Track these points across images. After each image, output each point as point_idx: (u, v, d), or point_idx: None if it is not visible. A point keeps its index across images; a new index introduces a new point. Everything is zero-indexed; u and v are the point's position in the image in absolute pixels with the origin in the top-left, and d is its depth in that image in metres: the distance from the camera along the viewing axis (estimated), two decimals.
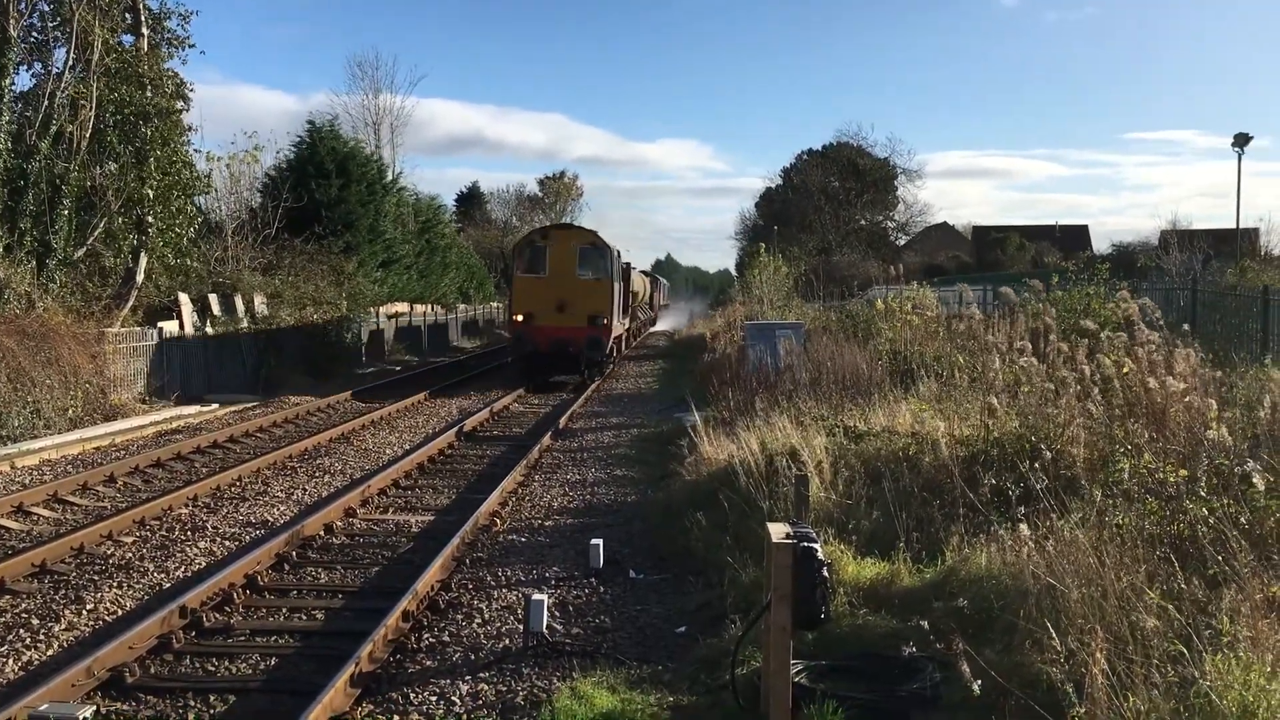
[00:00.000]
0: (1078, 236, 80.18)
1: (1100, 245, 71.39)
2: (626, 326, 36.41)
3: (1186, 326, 9.78)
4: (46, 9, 23.28)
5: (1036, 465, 7.38)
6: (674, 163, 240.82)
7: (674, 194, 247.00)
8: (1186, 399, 7.61)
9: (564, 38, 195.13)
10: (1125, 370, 8.40)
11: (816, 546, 5.60)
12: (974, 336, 14.09)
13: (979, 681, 4.96)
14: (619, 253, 29.39)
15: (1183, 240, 37.40)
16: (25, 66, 23.42)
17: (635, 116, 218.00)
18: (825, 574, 5.61)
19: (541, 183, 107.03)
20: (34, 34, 23.45)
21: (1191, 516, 6.38)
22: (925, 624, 5.92)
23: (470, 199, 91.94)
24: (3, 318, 18.74)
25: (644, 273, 54.35)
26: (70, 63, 22.77)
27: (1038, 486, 7.06)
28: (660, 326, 67.48)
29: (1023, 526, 6.50)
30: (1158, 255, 36.76)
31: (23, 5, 22.30)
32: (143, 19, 25.12)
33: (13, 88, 21.94)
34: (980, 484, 8.07)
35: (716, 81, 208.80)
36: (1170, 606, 5.25)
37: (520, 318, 26.80)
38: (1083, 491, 7.30)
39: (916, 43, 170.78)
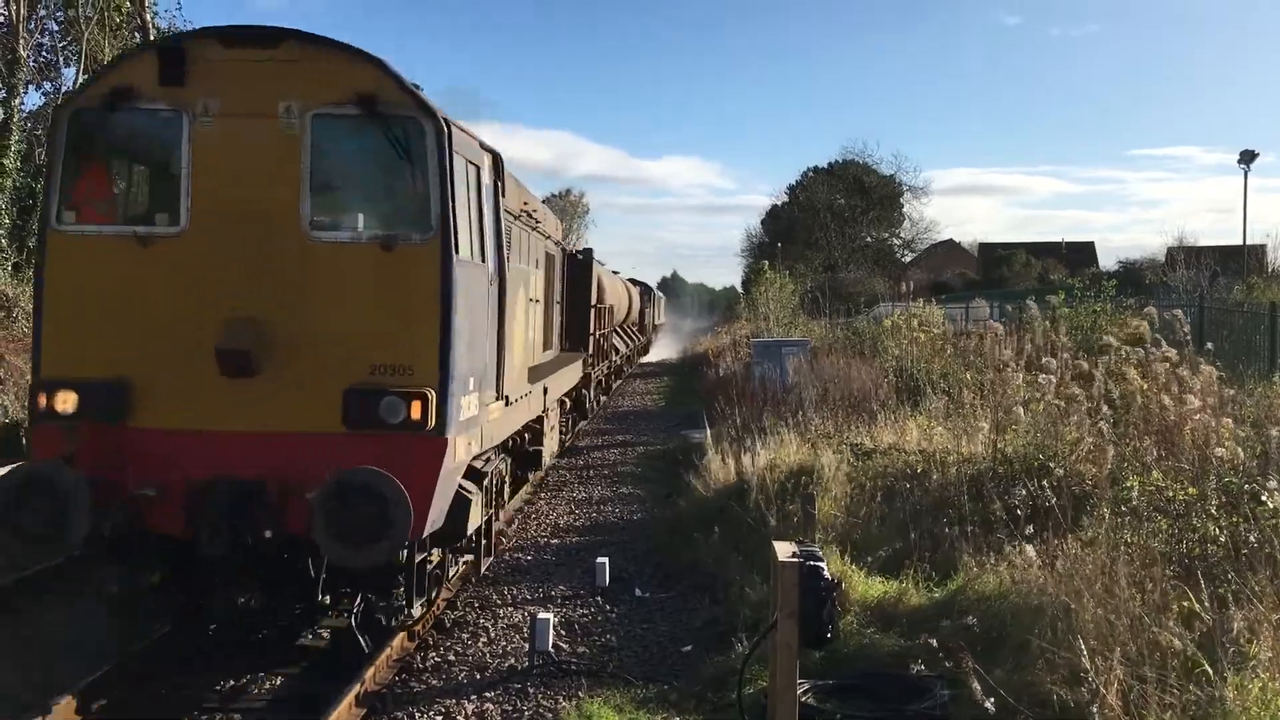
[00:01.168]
0: (1084, 253, 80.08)
1: (1107, 262, 71.28)
2: (591, 384, 19.30)
3: (1210, 345, 9.75)
4: (56, 29, 23.47)
5: (1045, 483, 7.35)
6: (680, 180, 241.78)
7: (680, 211, 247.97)
8: (1197, 416, 7.57)
9: (569, 56, 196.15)
10: (1142, 387, 8.36)
11: (823, 565, 5.56)
12: (981, 354, 14.06)
13: (991, 700, 4.91)
14: (499, 174, 9.25)
15: (1189, 257, 37.28)
16: (35, 86, 23.63)
17: (641, 134, 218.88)
18: (832, 592, 5.57)
19: (547, 200, 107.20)
20: (44, 53, 23.64)
21: (1201, 535, 6.34)
22: (934, 643, 5.87)
23: None
24: (11, 337, 18.79)
25: (633, 282, 38.06)
26: (79, 81, 22.94)
27: (1047, 504, 7.02)
28: (653, 355, 50.42)
29: (1029, 547, 6.47)
30: (1164, 272, 36.69)
31: (32, 25, 22.47)
32: (151, 37, 25.31)
33: (22, 107, 22.13)
34: (989, 502, 8.04)
35: (722, 99, 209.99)
36: (1186, 625, 5.21)
37: (64, 403, 7.02)
38: (1093, 509, 7.26)
39: (921, 60, 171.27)
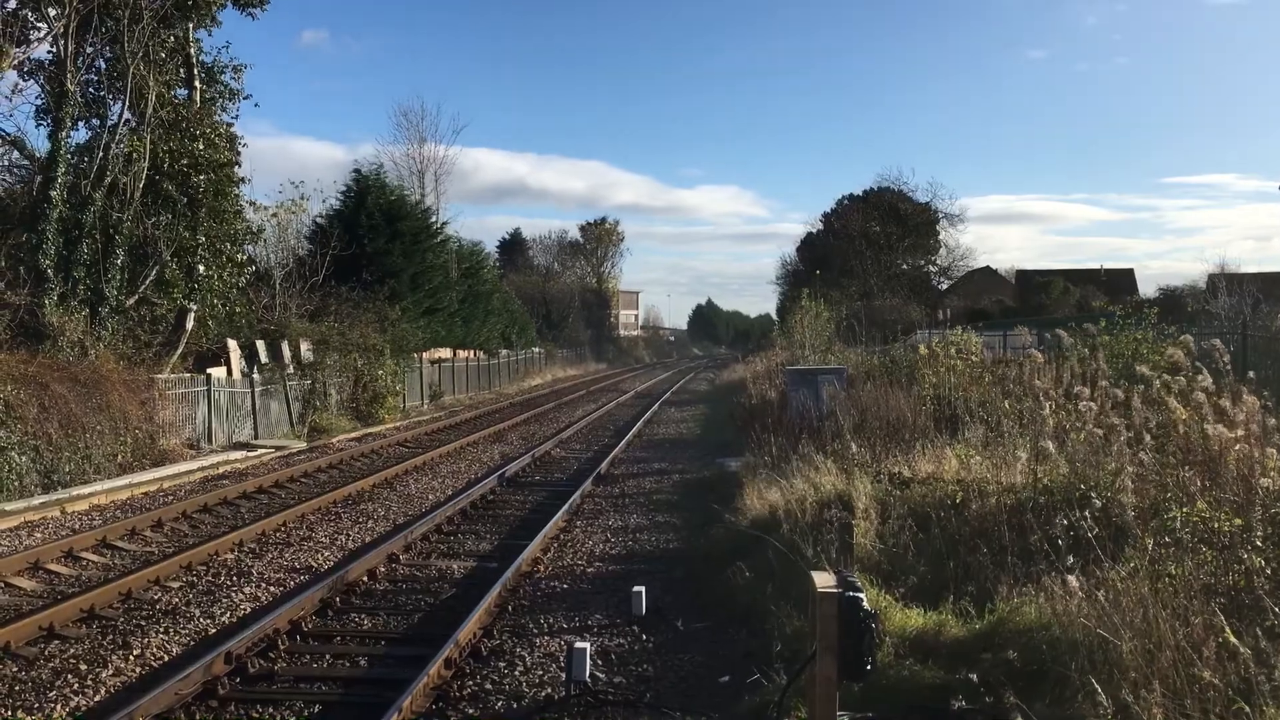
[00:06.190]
0: (1123, 280, 79.26)
1: (1146, 289, 70.60)
2: None
3: (1252, 375, 9.61)
4: (103, 65, 23.90)
5: (1086, 514, 7.26)
6: (714, 209, 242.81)
7: (715, 240, 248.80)
8: (1238, 446, 7.46)
9: (603, 86, 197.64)
10: (1184, 417, 8.25)
11: (862, 596, 5.52)
12: (1020, 381, 13.93)
13: None
14: None
15: (1230, 284, 36.80)
16: (82, 121, 24.05)
17: (675, 163, 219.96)
18: (871, 624, 5.53)
19: (583, 229, 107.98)
20: (91, 89, 24.08)
21: (1247, 566, 6.24)
22: (974, 676, 5.81)
23: (513, 246, 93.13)
24: (56, 365, 19.11)
25: None
26: (125, 116, 23.36)
27: (1088, 535, 6.94)
28: None
29: (1071, 578, 6.39)
30: (1206, 299, 36.22)
31: (80, 61, 22.94)
32: (195, 73, 25.78)
33: (69, 141, 22.55)
34: (1029, 532, 7.95)
35: (756, 128, 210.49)
36: (1230, 659, 5.12)
37: None
38: (1134, 540, 7.16)
39: (952, 92, 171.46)
